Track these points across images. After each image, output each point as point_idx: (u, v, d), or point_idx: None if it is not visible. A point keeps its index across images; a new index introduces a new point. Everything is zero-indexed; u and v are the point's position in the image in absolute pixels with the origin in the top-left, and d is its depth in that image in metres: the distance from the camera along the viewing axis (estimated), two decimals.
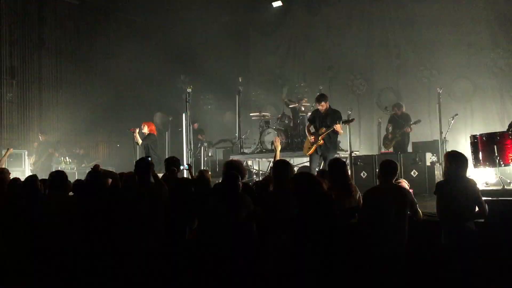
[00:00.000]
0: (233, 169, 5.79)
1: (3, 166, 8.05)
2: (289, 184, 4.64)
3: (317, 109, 8.57)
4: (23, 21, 14.57)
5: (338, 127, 8.01)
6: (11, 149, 9.35)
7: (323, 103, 8.31)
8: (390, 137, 10.59)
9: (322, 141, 8.12)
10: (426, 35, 12.36)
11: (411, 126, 10.39)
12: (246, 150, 12.01)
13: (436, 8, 12.09)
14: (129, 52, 14.75)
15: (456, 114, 9.69)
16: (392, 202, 4.65)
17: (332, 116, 8.26)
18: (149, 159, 5.21)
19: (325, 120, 8.27)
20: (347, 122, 8.23)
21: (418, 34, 12.53)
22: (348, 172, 5.28)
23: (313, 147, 8.22)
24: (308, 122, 8.84)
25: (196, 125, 12.97)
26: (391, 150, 10.40)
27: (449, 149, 8.96)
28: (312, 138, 8.25)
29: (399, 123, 10.54)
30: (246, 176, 5.99)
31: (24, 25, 14.60)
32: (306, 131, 8.75)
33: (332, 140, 8.27)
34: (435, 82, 11.78)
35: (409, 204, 4.78)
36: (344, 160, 6.55)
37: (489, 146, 7.30)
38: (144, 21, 15.80)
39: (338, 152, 10.58)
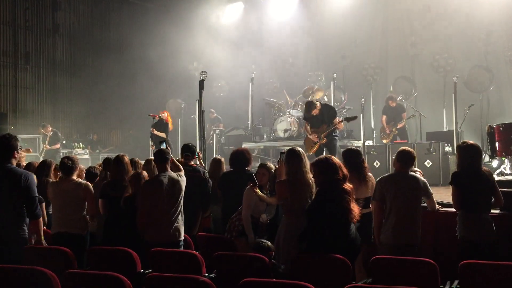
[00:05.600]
0: (240, 158, 5.80)
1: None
2: (301, 173, 4.64)
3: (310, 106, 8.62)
4: (38, 6, 14.64)
5: (340, 125, 8.15)
6: (30, 150, 9.46)
7: (315, 110, 8.29)
8: (387, 131, 10.63)
9: (325, 140, 8.21)
10: (442, 23, 12.15)
11: (405, 120, 10.42)
12: (258, 138, 12.00)
13: None
14: (143, 38, 14.73)
15: (472, 104, 9.57)
16: (407, 191, 4.61)
17: (328, 112, 8.30)
18: (164, 144, 5.17)
19: (322, 117, 8.30)
20: (350, 119, 8.28)
21: (434, 22, 12.32)
22: (365, 162, 5.22)
23: (316, 146, 8.32)
24: (304, 121, 8.82)
25: (213, 115, 12.91)
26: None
27: (464, 140, 8.94)
28: (315, 137, 8.32)
29: (392, 115, 10.59)
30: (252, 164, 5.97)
31: (39, 11, 14.67)
32: (305, 130, 8.79)
33: (332, 133, 8.32)
34: (451, 71, 11.59)
35: (424, 194, 4.74)
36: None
37: (506, 136, 7.18)
38: (157, 7, 15.75)
39: (350, 141, 10.58)
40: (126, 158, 5.40)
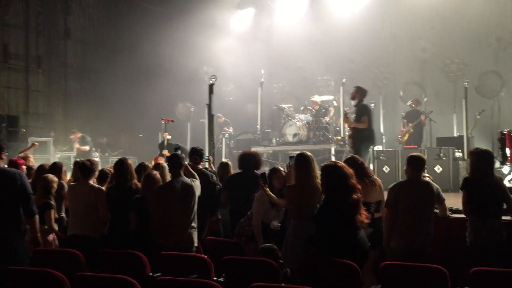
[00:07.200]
0: (248, 160, 5.80)
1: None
2: (310, 178, 4.63)
3: None
4: (50, 11, 14.80)
5: (349, 122, 8.15)
6: (36, 143, 9.46)
7: (353, 90, 8.29)
8: (404, 131, 10.56)
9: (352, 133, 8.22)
10: (452, 28, 12.11)
11: (425, 115, 10.28)
12: (267, 142, 12.01)
13: (464, 1, 11.81)
14: (152, 42, 14.82)
15: (483, 110, 9.51)
16: (421, 198, 4.59)
17: (359, 110, 8.26)
18: (179, 151, 5.16)
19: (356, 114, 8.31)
20: (345, 115, 8.27)
21: (444, 26, 12.28)
22: (364, 163, 5.15)
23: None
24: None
25: (221, 119, 12.93)
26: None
27: (474, 146, 8.88)
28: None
29: (411, 116, 10.50)
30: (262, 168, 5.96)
31: (50, 15, 14.83)
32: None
33: (357, 134, 8.21)
34: (462, 76, 11.53)
35: (437, 200, 4.72)
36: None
37: None
38: (167, 11, 15.84)
39: None
40: (129, 161, 5.38)
